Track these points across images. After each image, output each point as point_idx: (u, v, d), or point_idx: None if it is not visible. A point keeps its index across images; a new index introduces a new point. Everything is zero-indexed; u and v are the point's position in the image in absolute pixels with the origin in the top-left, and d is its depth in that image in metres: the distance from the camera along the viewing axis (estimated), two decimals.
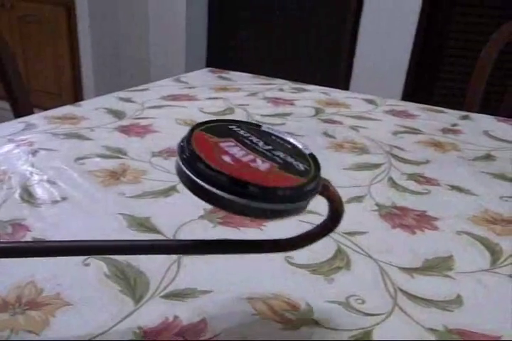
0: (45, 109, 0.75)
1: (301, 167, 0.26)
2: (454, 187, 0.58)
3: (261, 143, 0.26)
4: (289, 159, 0.26)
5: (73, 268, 0.39)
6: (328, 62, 2.44)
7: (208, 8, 2.66)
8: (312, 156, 0.28)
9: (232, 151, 0.24)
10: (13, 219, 0.45)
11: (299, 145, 0.28)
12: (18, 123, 0.69)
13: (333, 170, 0.61)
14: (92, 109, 0.77)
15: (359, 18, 2.21)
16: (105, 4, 2.39)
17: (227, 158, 0.24)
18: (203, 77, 1.01)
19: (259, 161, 0.24)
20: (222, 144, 0.25)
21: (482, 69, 1.18)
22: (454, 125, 0.81)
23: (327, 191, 0.28)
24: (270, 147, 0.27)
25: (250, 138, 0.27)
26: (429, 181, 0.59)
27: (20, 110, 0.99)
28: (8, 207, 0.47)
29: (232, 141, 0.26)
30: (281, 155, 0.26)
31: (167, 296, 0.36)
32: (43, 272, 0.38)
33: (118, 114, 0.75)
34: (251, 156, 0.25)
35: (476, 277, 0.41)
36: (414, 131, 0.77)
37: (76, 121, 0.71)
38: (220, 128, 0.27)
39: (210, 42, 2.74)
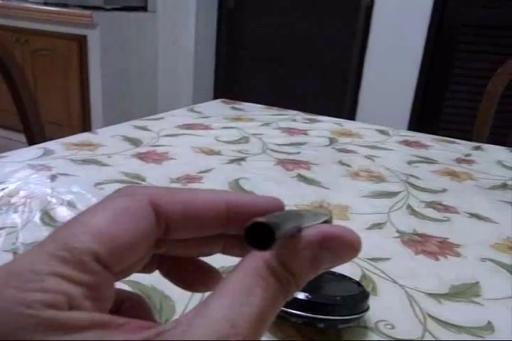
0: (54, 139, 0.75)
1: None
2: (473, 215, 0.58)
3: None
4: None
5: None
6: (334, 89, 2.48)
7: (215, 45, 2.73)
8: None
9: None
10: (35, 241, 0.45)
11: None
12: (36, 149, 0.70)
13: (352, 197, 0.61)
14: (108, 136, 0.78)
15: (365, 49, 2.26)
16: (116, 39, 2.45)
17: None
18: (216, 108, 1.02)
19: None
20: None
21: (489, 102, 1.20)
22: (468, 155, 0.82)
23: None
24: None
25: None
26: (447, 209, 0.59)
27: (35, 139, 1.00)
28: (30, 230, 0.47)
29: None
30: None
31: None
32: None
33: (134, 142, 0.76)
34: None
35: (505, 303, 0.40)
36: (429, 161, 0.77)
37: (93, 148, 0.72)
38: None
39: (218, 77, 2.79)
